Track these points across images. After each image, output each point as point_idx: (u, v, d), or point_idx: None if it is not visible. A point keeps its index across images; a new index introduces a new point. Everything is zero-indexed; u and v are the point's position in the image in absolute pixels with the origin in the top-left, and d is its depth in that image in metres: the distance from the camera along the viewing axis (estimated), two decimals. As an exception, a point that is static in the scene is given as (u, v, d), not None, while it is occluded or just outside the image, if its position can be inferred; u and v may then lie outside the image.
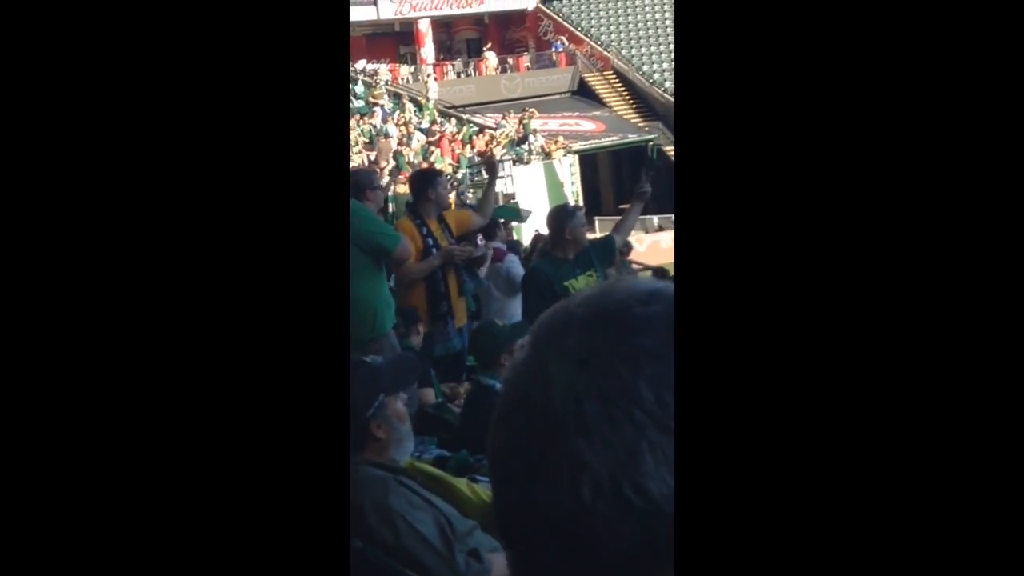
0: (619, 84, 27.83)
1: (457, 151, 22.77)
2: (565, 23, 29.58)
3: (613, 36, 29.06)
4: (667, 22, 29.48)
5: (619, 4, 30.28)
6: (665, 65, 27.77)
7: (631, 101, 27.33)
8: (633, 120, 26.63)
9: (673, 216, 21.96)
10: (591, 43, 28.79)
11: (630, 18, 29.86)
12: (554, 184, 22.65)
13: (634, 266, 8.81)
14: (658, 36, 29.09)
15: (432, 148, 22.34)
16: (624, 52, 28.28)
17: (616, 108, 27.13)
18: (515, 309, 5.50)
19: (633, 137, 25.62)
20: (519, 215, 9.38)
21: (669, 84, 26.86)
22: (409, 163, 19.34)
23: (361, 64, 24.31)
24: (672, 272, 6.76)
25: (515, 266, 6.28)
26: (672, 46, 28.20)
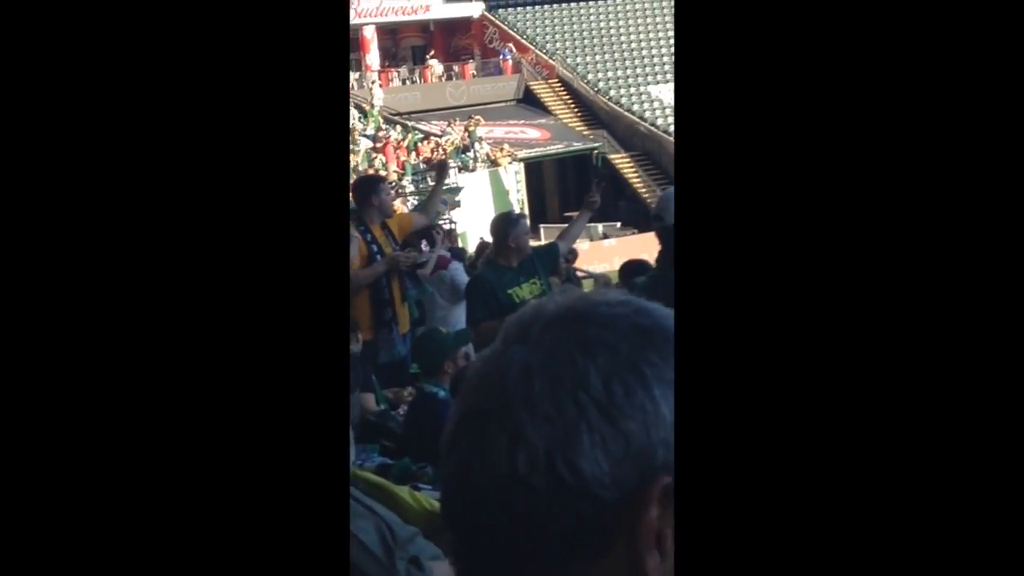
0: (564, 92, 27.97)
1: (402, 158, 22.72)
2: (511, 31, 29.66)
3: (558, 44, 29.21)
4: (612, 31, 29.74)
5: (564, 13, 30.47)
6: (609, 74, 28.00)
7: (576, 109, 27.49)
8: (578, 128, 26.78)
9: (618, 224, 22.24)
10: (536, 51, 28.90)
11: (575, 27, 30.05)
12: (500, 192, 22.70)
13: (579, 274, 8.83)
14: (603, 45, 29.31)
15: (376, 155, 22.28)
16: (569, 60, 28.43)
17: (561, 116, 27.25)
18: (459, 317, 5.48)
19: (578, 145, 25.79)
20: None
21: (613, 92, 27.08)
22: (354, 170, 19.25)
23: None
24: (616, 280, 6.79)
25: (459, 274, 6.26)
26: (616, 55, 28.50)
